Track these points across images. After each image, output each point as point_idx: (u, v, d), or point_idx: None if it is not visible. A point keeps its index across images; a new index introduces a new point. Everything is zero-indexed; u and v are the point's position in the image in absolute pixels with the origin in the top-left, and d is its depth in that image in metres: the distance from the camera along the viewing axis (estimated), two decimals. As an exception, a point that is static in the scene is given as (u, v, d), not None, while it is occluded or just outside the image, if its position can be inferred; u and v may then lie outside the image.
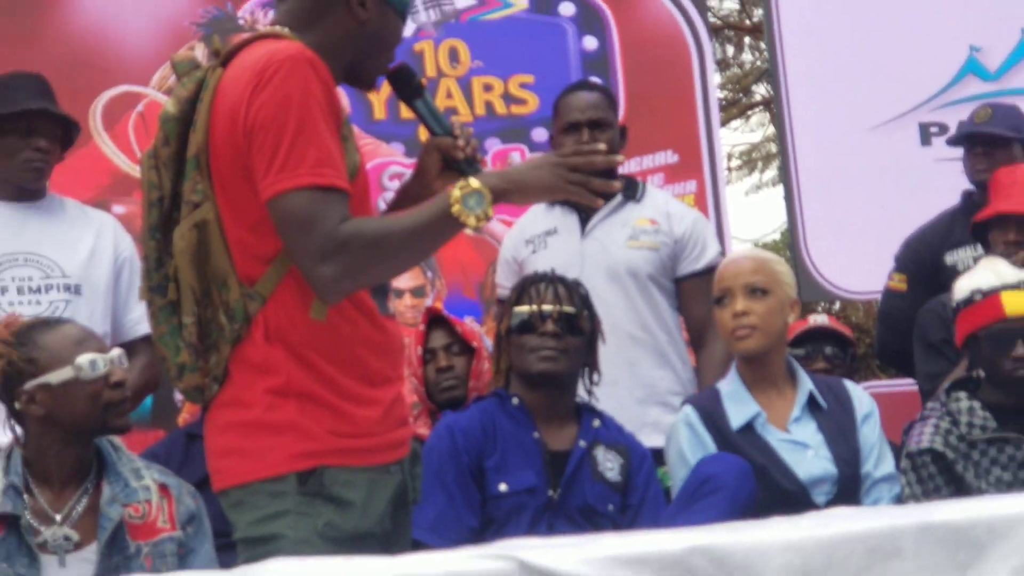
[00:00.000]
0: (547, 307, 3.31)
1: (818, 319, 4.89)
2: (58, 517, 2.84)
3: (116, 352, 2.94)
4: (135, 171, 5.05)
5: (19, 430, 2.91)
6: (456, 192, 2.29)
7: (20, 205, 3.56)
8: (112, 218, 3.78)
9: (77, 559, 2.81)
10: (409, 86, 2.60)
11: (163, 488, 2.95)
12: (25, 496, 2.83)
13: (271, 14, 2.59)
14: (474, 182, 2.31)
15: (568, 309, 3.32)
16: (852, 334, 4.99)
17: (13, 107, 3.47)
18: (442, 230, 2.33)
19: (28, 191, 3.57)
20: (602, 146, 2.55)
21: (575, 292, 3.38)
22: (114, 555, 2.81)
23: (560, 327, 3.29)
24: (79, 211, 3.71)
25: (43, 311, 3.35)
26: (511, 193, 2.37)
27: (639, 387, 3.80)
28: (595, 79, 5.22)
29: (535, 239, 3.94)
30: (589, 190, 2.39)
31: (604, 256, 3.85)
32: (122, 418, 2.91)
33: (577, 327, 3.33)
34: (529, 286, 3.38)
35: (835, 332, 4.82)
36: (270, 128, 2.24)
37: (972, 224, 3.99)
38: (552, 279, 3.39)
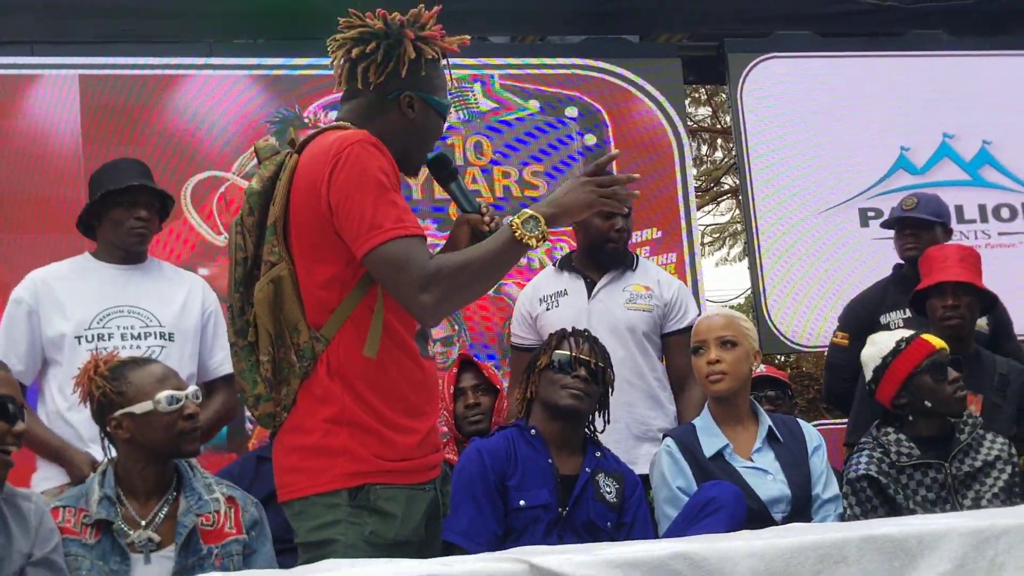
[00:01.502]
0: (584, 356, 3.30)
1: (759, 368, 4.90)
2: (143, 523, 2.83)
3: (191, 389, 2.93)
4: (217, 241, 5.10)
5: (113, 451, 2.91)
6: (516, 220, 2.28)
7: (125, 267, 3.55)
8: (200, 278, 3.77)
9: (159, 557, 2.80)
10: (446, 170, 2.62)
11: (230, 499, 2.93)
12: (117, 505, 2.83)
13: (332, 114, 2.61)
14: (527, 211, 2.30)
15: (600, 363, 3.32)
16: (790, 379, 5.04)
17: (119, 184, 3.47)
18: (510, 253, 2.32)
19: (132, 254, 3.55)
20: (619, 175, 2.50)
21: (603, 351, 3.38)
22: (189, 556, 2.80)
23: (589, 374, 3.29)
24: (173, 272, 3.70)
25: (142, 354, 3.33)
26: (559, 215, 2.35)
27: (635, 425, 3.79)
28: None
29: (547, 298, 3.92)
30: (616, 199, 2.37)
31: (607, 315, 3.83)
32: (193, 444, 2.89)
33: (601, 379, 3.32)
34: (569, 336, 3.36)
35: (773, 378, 4.88)
36: (353, 198, 2.25)
37: (912, 295, 3.96)
38: (588, 336, 3.38)
